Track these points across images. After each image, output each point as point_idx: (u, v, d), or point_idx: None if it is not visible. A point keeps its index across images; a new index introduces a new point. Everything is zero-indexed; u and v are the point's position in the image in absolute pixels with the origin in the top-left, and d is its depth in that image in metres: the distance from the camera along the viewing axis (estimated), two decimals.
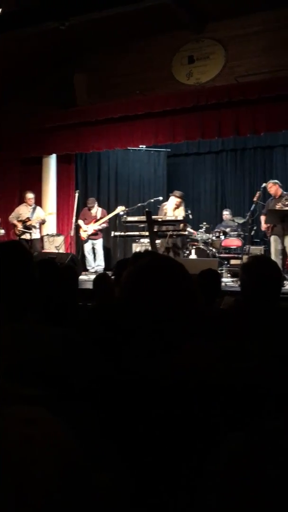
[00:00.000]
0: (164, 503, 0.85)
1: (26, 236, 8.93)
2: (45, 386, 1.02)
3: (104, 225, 9.31)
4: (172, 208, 8.23)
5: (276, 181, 7.72)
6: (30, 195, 9.08)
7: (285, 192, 7.56)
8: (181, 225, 7.76)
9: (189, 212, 8.62)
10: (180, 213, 8.18)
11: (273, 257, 7.07)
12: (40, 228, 9.33)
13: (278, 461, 0.58)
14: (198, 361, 1.05)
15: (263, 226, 7.60)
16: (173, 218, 7.86)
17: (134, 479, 0.88)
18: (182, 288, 1.11)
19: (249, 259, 2.31)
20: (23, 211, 9.05)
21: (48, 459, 0.57)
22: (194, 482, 0.69)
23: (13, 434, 0.57)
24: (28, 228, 8.94)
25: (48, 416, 0.62)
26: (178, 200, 8.27)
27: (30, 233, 8.95)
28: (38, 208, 9.20)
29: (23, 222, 8.95)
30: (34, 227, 9.03)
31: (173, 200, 8.29)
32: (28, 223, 8.94)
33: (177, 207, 8.25)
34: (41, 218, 9.05)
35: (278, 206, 7.13)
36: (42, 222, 9.23)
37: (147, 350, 1.08)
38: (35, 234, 9.08)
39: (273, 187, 7.52)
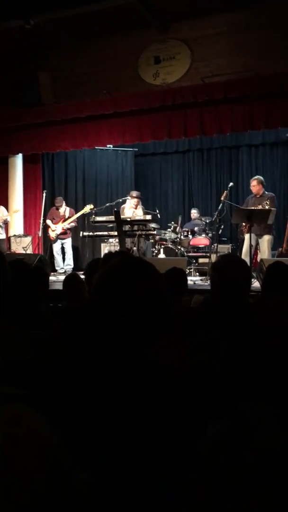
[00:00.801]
0: (144, 499, 0.87)
1: None
2: (16, 386, 1.02)
3: (73, 224, 9.27)
4: (130, 209, 8.27)
5: (261, 179, 7.53)
6: None
7: (266, 192, 7.49)
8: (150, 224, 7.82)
9: (157, 211, 8.67)
10: (139, 213, 8.22)
11: (243, 255, 7.11)
12: (6, 228, 9.19)
13: (256, 446, 0.60)
14: (169, 357, 1.08)
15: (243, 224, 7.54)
16: (141, 217, 7.89)
17: (113, 476, 0.89)
18: (152, 287, 1.14)
19: (218, 258, 2.36)
20: None
21: (33, 457, 0.58)
22: (174, 475, 0.71)
23: None
24: None
25: (33, 414, 0.63)
26: (135, 200, 8.31)
27: None
28: (1, 207, 9.04)
29: None
30: (0, 227, 8.89)
31: (129, 201, 8.34)
32: None
33: (135, 206, 8.30)
34: (4, 217, 8.90)
35: (261, 207, 7.09)
36: (5, 222, 9.06)
37: (118, 348, 1.10)
38: (1, 235, 8.94)
39: (256, 186, 7.41)
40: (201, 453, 0.65)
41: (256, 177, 7.68)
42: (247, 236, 7.21)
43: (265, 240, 7.16)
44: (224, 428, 0.66)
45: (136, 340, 1.09)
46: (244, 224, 7.39)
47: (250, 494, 0.58)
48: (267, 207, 6.98)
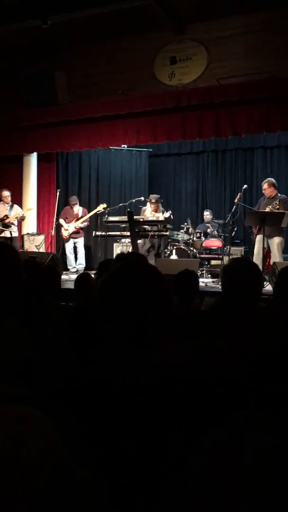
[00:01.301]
0: (144, 499, 0.87)
1: (6, 234, 8.85)
2: (24, 386, 1.03)
3: (86, 223, 9.30)
4: (151, 213, 8.28)
5: (273, 182, 7.42)
6: (6, 193, 8.97)
7: (279, 194, 7.37)
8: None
9: (170, 212, 8.67)
10: (159, 216, 8.21)
11: (255, 257, 7.08)
12: (19, 226, 9.25)
13: (256, 451, 0.60)
14: (171, 360, 1.08)
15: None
16: (154, 218, 7.89)
17: (112, 476, 0.89)
18: (153, 290, 1.14)
19: (230, 261, 2.35)
20: (0, 209, 8.96)
21: (37, 456, 0.59)
22: (173, 477, 0.71)
23: (4, 432, 0.59)
24: (7, 226, 8.86)
25: (37, 415, 0.64)
26: (154, 205, 8.31)
27: (10, 232, 8.87)
28: (15, 206, 9.11)
29: (1, 220, 8.86)
30: (13, 224, 8.95)
31: (149, 206, 8.34)
32: (6, 221, 8.86)
33: (156, 211, 8.29)
34: (20, 215, 8.96)
35: (268, 209, 7.02)
36: (22, 218, 9.12)
37: (119, 351, 1.10)
38: (14, 233, 9.00)
39: (268, 189, 7.31)
40: (201, 459, 0.65)
41: (267, 179, 7.57)
42: (258, 238, 7.18)
43: (275, 242, 7.09)
44: (224, 435, 0.66)
45: (137, 343, 1.09)
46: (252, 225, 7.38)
47: (249, 500, 0.58)
48: (277, 208, 6.92)
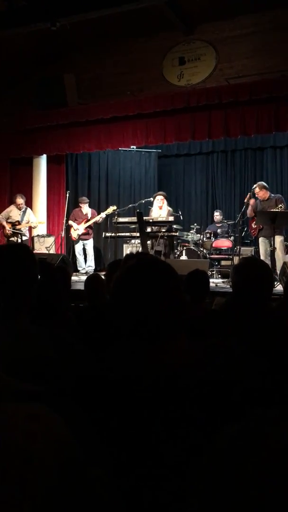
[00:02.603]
0: (155, 498, 0.87)
1: (16, 238, 8.89)
2: (37, 383, 1.04)
3: (100, 219, 9.22)
4: (155, 209, 8.27)
5: (263, 184, 7.56)
6: (20, 200, 8.98)
7: (273, 195, 7.51)
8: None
9: (180, 213, 8.66)
10: (163, 213, 8.19)
11: (262, 258, 7.11)
12: (29, 230, 9.29)
13: (271, 453, 0.60)
14: (180, 359, 1.08)
15: (252, 225, 7.64)
16: (164, 219, 7.88)
17: (125, 475, 0.89)
18: (167, 287, 1.14)
19: (240, 260, 2.34)
20: (13, 213, 8.99)
21: (50, 454, 0.59)
22: (186, 475, 0.71)
23: (17, 429, 0.59)
24: (18, 231, 8.90)
25: (49, 413, 0.64)
26: (158, 200, 8.29)
27: (21, 235, 8.91)
28: (28, 210, 9.15)
29: (13, 224, 8.91)
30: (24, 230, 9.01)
31: (155, 202, 8.34)
32: (18, 227, 8.91)
33: (160, 207, 8.27)
34: (31, 224, 9.02)
35: (270, 208, 7.13)
36: (33, 227, 9.19)
37: (132, 349, 1.10)
38: (25, 236, 9.04)
39: (260, 192, 7.43)
40: (214, 458, 0.65)
41: (257, 184, 7.64)
42: (260, 239, 7.27)
43: (278, 241, 7.14)
44: (239, 433, 0.65)
45: (150, 341, 1.09)
46: (253, 226, 7.39)
47: (264, 501, 0.57)
48: (281, 208, 6.98)
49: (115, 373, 1.07)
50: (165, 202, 8.38)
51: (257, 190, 7.47)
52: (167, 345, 1.09)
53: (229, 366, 1.16)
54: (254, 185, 7.68)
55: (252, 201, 7.60)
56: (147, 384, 1.02)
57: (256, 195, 7.53)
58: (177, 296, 1.14)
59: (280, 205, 7.09)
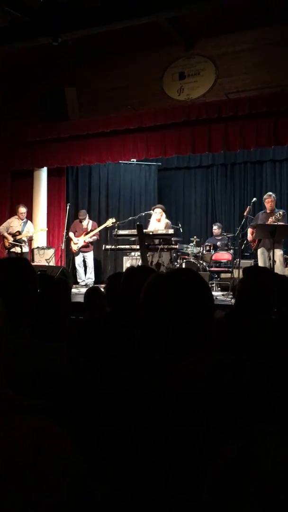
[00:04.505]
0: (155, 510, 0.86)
1: (16, 250, 8.90)
2: (40, 398, 1.03)
3: (95, 237, 9.33)
4: (153, 222, 8.32)
5: (273, 195, 7.71)
6: (22, 209, 9.05)
7: (276, 209, 7.59)
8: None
9: (180, 225, 8.68)
10: (160, 226, 8.23)
11: None
12: (29, 242, 9.32)
13: (274, 468, 0.60)
14: (194, 373, 1.07)
15: (249, 237, 7.68)
16: (164, 232, 7.90)
17: (130, 490, 0.88)
18: (201, 301, 1.13)
19: (249, 267, 2.33)
20: (14, 224, 9.03)
21: (55, 467, 0.59)
22: (190, 490, 0.70)
23: (22, 443, 0.59)
24: (18, 242, 8.92)
25: (53, 426, 0.64)
26: (156, 213, 8.37)
27: (21, 247, 8.93)
28: (29, 222, 9.20)
29: (13, 235, 8.93)
30: (24, 241, 9.02)
31: (154, 214, 8.39)
32: (18, 237, 8.93)
33: (158, 219, 8.34)
34: (30, 234, 9.05)
35: (271, 221, 7.17)
36: (30, 239, 9.21)
37: (152, 361, 1.09)
38: (25, 248, 9.06)
39: (271, 202, 7.54)
40: (217, 473, 0.65)
41: (270, 194, 7.78)
42: (259, 252, 7.32)
43: (278, 254, 7.18)
44: (241, 448, 0.65)
45: (171, 357, 1.07)
46: (252, 239, 7.54)
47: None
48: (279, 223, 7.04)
49: (123, 387, 1.05)
50: (164, 215, 8.43)
51: (270, 199, 7.59)
52: (190, 359, 1.08)
53: (240, 382, 1.15)
54: (265, 195, 7.80)
55: (250, 230, 7.69)
56: (157, 398, 1.00)
57: (266, 204, 7.63)
58: (208, 310, 1.13)
59: (278, 218, 7.15)
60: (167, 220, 8.47)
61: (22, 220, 9.06)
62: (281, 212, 7.22)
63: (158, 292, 1.12)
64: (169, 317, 1.08)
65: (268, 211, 7.58)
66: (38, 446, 0.59)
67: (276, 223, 7.00)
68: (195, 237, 9.12)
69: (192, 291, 1.12)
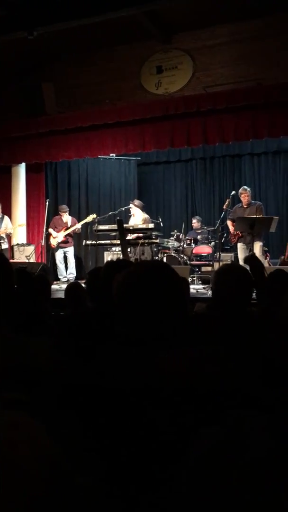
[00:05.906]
0: (141, 505, 0.87)
1: None
2: (21, 392, 1.03)
3: (77, 231, 9.25)
4: (132, 217, 8.39)
5: (248, 189, 7.85)
6: None
7: (253, 202, 7.70)
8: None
9: (160, 220, 8.69)
10: (137, 221, 8.27)
11: (241, 263, 7.20)
12: (8, 239, 9.21)
13: (252, 454, 0.60)
14: (175, 367, 1.07)
15: (231, 229, 7.76)
16: (143, 226, 7.91)
17: (112, 483, 0.89)
18: (174, 294, 1.13)
19: (222, 266, 2.36)
20: None
21: (32, 462, 0.58)
22: (168, 481, 0.71)
23: None
24: None
25: (30, 420, 0.63)
26: (132, 208, 8.47)
27: (0, 244, 8.82)
28: (6, 218, 9.08)
29: None
30: (2, 238, 8.92)
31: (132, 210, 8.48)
32: None
33: (133, 214, 8.42)
34: (8, 231, 8.94)
35: (250, 214, 7.31)
36: (8, 235, 9.11)
37: (126, 355, 1.09)
38: (4, 244, 8.96)
39: (245, 196, 7.68)
40: (195, 460, 0.65)
41: (245, 188, 7.93)
42: (239, 246, 7.42)
43: (257, 247, 7.27)
44: (219, 435, 0.66)
45: (148, 349, 1.08)
46: (233, 233, 7.63)
47: (245, 503, 0.58)
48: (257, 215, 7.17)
49: (106, 381, 1.05)
50: (138, 209, 8.45)
51: (246, 193, 7.72)
52: (168, 352, 1.08)
53: (221, 375, 1.15)
54: (240, 190, 7.91)
55: (229, 222, 7.78)
56: (139, 392, 1.00)
57: (242, 198, 7.75)
58: (181, 303, 1.13)
59: (259, 212, 7.24)
60: (146, 215, 8.48)
61: None
62: (256, 209, 7.36)
63: (128, 290, 1.12)
64: (139, 313, 1.08)
65: (245, 206, 7.67)
66: (14, 441, 0.58)
67: (255, 216, 7.08)
68: (175, 231, 9.14)
69: (163, 285, 1.12)
